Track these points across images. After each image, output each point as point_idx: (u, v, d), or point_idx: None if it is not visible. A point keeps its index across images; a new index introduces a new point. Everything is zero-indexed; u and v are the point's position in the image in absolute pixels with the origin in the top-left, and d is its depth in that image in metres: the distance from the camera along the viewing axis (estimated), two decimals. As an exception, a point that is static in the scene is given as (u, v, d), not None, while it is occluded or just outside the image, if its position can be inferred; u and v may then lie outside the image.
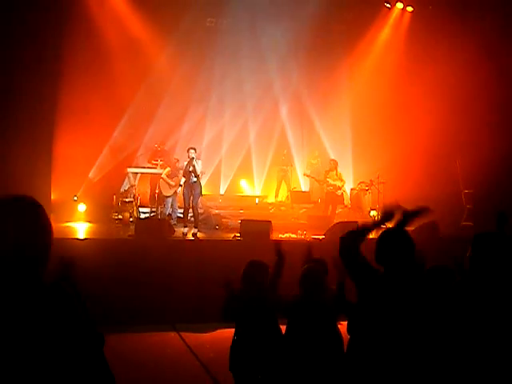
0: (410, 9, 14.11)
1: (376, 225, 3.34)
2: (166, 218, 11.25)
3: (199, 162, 10.63)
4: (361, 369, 3.15)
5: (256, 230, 9.47)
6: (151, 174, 12.56)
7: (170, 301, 8.13)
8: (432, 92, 12.84)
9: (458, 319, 3.00)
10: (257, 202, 14.62)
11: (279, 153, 15.00)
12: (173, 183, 11.55)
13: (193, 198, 10.28)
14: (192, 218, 10.50)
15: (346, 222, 10.64)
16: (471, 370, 2.91)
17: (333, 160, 13.13)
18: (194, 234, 9.90)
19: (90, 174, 12.51)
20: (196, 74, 13.91)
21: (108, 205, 11.64)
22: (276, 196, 14.87)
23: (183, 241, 9.71)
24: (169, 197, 11.67)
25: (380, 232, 3.32)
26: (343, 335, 4.02)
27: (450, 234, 10.33)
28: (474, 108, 12.02)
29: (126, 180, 12.53)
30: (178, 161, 12.21)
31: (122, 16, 12.58)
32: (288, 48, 14.45)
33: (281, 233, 10.22)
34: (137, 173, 12.59)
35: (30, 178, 9.60)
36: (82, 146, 11.50)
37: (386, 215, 3.25)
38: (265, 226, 9.59)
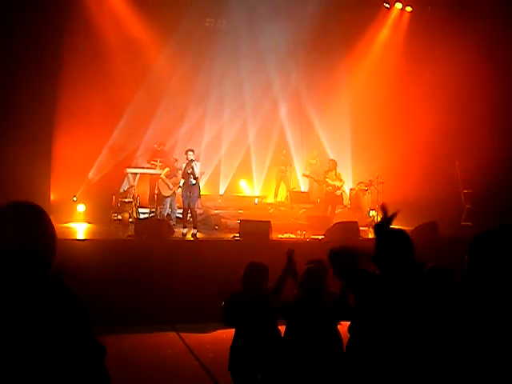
0: (409, 9, 14.13)
1: (368, 256, 3.29)
2: (165, 219, 11.25)
3: (198, 163, 10.62)
4: (360, 370, 3.15)
5: (255, 230, 9.47)
6: (150, 174, 12.57)
7: (169, 301, 8.12)
8: (431, 92, 12.85)
9: (457, 319, 3.00)
10: (256, 202, 14.62)
11: (278, 153, 15.01)
12: (171, 184, 11.56)
13: (191, 200, 10.29)
14: (191, 219, 10.51)
15: (345, 222, 10.65)
16: (471, 371, 2.91)
17: (332, 160, 13.12)
18: (194, 235, 9.90)
19: (90, 175, 12.51)
20: (195, 74, 13.92)
21: (107, 205, 11.63)
22: (275, 196, 14.88)
23: (182, 241, 9.71)
24: (168, 197, 11.66)
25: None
26: (343, 335, 4.02)
27: (449, 234, 10.34)
28: (473, 108, 12.03)
29: (126, 180, 12.52)
30: (176, 160, 12.21)
31: (122, 16, 12.59)
32: (287, 48, 14.47)
33: (280, 233, 10.23)
34: (136, 173, 12.59)
35: (29, 179, 9.61)
36: (82, 146, 11.49)
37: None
38: (264, 227, 9.60)
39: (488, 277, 2.97)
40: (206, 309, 7.53)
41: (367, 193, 12.87)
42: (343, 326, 3.94)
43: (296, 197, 13.76)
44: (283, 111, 15.30)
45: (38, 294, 1.86)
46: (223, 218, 12.10)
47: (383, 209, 3.17)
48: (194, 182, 10.30)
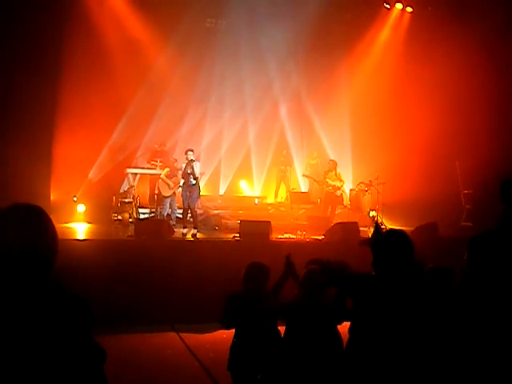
0: (409, 9, 14.13)
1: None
2: (166, 219, 11.26)
3: (197, 164, 10.62)
4: (360, 370, 3.15)
5: (255, 230, 9.47)
6: (150, 174, 12.57)
7: (169, 301, 8.13)
8: (431, 93, 12.85)
9: (457, 319, 3.01)
10: (256, 202, 14.62)
11: (278, 153, 15.01)
12: (172, 184, 11.56)
13: (191, 201, 10.29)
14: (191, 219, 10.51)
15: (345, 222, 10.66)
16: (470, 371, 2.91)
17: (332, 160, 13.13)
18: (194, 235, 9.91)
19: (90, 175, 12.51)
20: (195, 75, 13.91)
21: (107, 205, 11.64)
22: (275, 196, 14.88)
23: (182, 241, 9.72)
24: (168, 197, 11.67)
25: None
26: (343, 336, 4.02)
27: (449, 234, 10.34)
28: (473, 109, 12.03)
29: (126, 181, 12.53)
30: (176, 160, 12.20)
31: (122, 17, 12.60)
32: (287, 49, 14.47)
33: (280, 233, 10.22)
34: (136, 173, 12.59)
35: (29, 179, 9.60)
36: (82, 146, 11.49)
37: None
38: (264, 227, 9.60)
39: (487, 277, 2.97)
40: (206, 309, 7.54)
41: (367, 193, 12.88)
42: (343, 327, 3.95)
43: (296, 197, 13.76)
44: (283, 111, 15.30)
45: (40, 294, 1.86)
46: (223, 218, 12.11)
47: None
48: (193, 182, 10.31)
